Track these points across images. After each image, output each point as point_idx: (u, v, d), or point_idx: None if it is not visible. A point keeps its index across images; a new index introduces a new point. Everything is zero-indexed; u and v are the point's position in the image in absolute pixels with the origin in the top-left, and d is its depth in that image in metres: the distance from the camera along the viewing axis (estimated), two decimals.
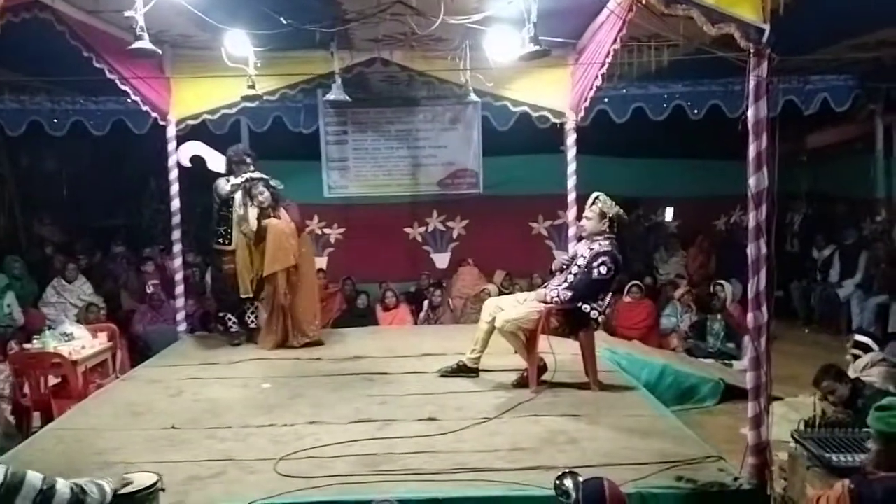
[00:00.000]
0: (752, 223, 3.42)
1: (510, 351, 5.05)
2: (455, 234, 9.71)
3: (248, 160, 6.43)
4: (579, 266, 4.86)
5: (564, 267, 5.06)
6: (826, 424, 4.00)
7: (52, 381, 5.56)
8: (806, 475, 3.67)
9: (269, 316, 6.29)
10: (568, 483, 2.50)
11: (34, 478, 2.30)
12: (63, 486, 2.34)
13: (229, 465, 3.66)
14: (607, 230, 4.88)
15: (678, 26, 4.18)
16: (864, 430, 3.79)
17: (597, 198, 4.93)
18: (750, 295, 3.48)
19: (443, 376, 5.27)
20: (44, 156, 10.98)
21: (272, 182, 6.35)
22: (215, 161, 6.62)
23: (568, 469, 2.66)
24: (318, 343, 6.38)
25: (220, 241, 6.39)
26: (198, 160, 6.72)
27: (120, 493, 2.60)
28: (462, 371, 5.25)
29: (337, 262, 9.38)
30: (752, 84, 3.37)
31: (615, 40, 5.12)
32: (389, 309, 8.14)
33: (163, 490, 2.85)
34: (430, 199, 9.57)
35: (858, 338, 6.02)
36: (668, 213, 10.39)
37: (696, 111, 8.78)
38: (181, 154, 6.79)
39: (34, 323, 7.47)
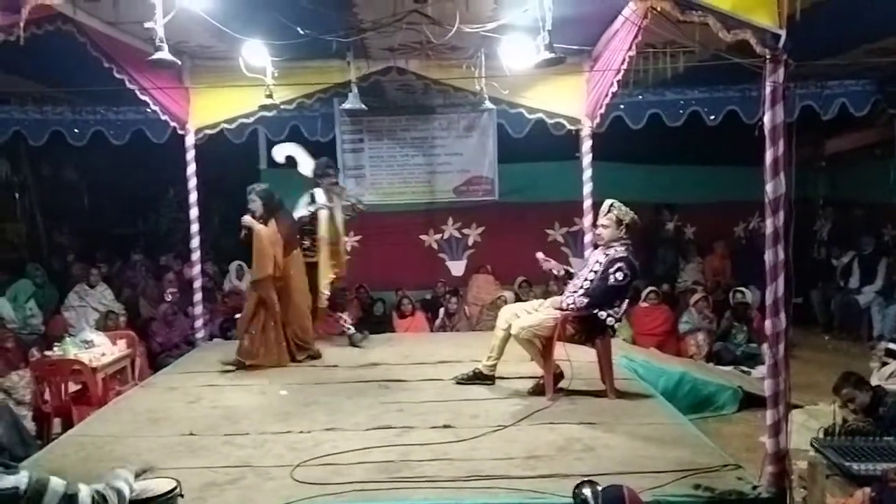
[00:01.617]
0: (769, 229, 3.40)
1: (526, 358, 5.04)
2: (471, 242, 9.72)
3: (331, 172, 6.65)
4: (595, 272, 4.84)
5: (562, 273, 5.12)
6: (846, 433, 3.96)
7: (73, 387, 5.62)
8: (826, 484, 3.62)
9: (261, 332, 5.98)
10: (587, 491, 2.49)
11: (57, 484, 2.33)
12: (85, 495, 2.38)
13: (247, 471, 3.68)
14: (624, 237, 4.87)
15: (694, 32, 4.18)
16: (886, 438, 3.76)
17: (612, 205, 4.92)
18: (768, 301, 3.45)
19: (459, 383, 5.27)
20: (64, 165, 11.15)
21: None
22: (305, 165, 6.77)
23: (586, 478, 2.65)
24: (317, 356, 6.27)
25: (307, 252, 6.48)
26: (290, 160, 6.90)
27: (140, 498, 2.63)
28: (478, 378, 5.24)
29: (353, 269, 9.38)
30: (768, 90, 3.35)
31: (630, 47, 5.11)
32: (406, 316, 8.16)
33: (181, 496, 2.88)
34: (445, 206, 9.58)
35: (890, 345, 5.96)
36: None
37: (712, 117, 8.75)
38: (276, 152, 7.01)
39: (55, 330, 7.57)
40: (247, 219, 6.03)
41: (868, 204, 9.95)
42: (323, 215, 6.46)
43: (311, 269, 6.44)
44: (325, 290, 6.47)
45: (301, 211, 6.46)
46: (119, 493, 2.50)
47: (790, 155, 3.37)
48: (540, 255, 5.30)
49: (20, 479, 2.30)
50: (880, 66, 7.80)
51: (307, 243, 6.48)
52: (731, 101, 8.62)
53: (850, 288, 9.04)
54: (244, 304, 6.35)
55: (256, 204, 6.06)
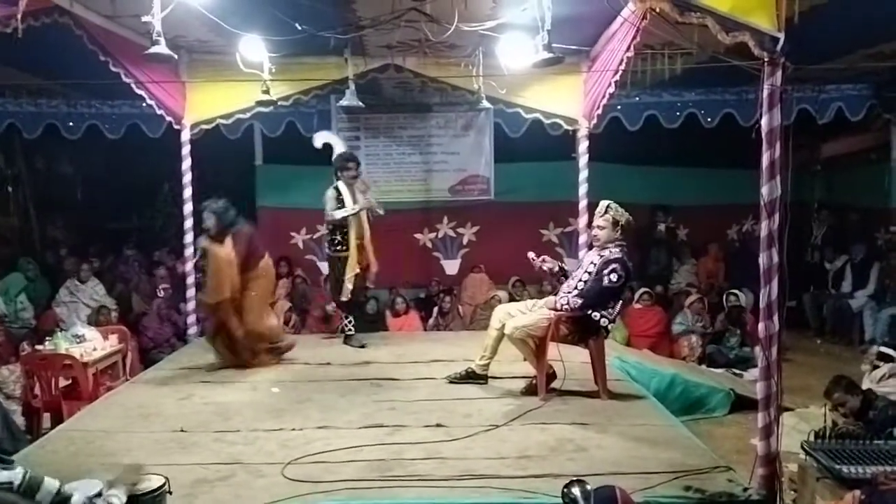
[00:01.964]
0: (764, 232, 3.41)
1: (519, 358, 5.04)
2: (465, 241, 9.71)
3: (351, 165, 6.53)
4: (590, 273, 4.84)
5: (557, 270, 5.13)
6: (837, 436, 3.97)
7: (63, 382, 5.58)
8: (816, 486, 3.63)
9: (231, 344, 5.85)
10: (576, 491, 2.48)
11: (51, 484, 2.34)
12: (76, 500, 2.36)
13: (238, 468, 3.66)
14: (619, 238, 4.87)
15: (692, 34, 4.19)
16: (876, 441, 3.77)
17: (609, 207, 4.92)
18: (761, 304, 3.46)
19: (452, 382, 5.26)
20: (59, 158, 11.09)
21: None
22: (341, 150, 6.87)
23: (576, 477, 2.64)
24: (288, 349, 6.15)
25: (339, 248, 6.47)
26: (328, 147, 6.95)
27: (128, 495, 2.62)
28: (471, 378, 5.24)
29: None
30: (765, 93, 3.36)
31: (629, 48, 5.12)
32: (399, 315, 8.15)
33: (170, 493, 2.87)
34: (440, 205, 9.57)
35: (884, 349, 5.99)
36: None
37: (709, 119, 8.77)
38: (316, 138, 7.10)
39: (46, 324, 7.53)
40: (203, 241, 5.86)
41: (863, 208, 9.99)
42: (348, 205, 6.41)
43: (343, 264, 6.44)
44: (348, 284, 6.44)
45: (336, 213, 6.39)
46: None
47: (786, 158, 3.38)
48: (531, 254, 5.29)
49: (15, 474, 2.31)
50: (876, 70, 7.84)
51: (337, 238, 6.47)
52: (727, 103, 8.64)
53: (843, 292, 9.07)
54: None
55: (210, 221, 5.77)
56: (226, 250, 5.64)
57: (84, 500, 2.42)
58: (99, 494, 2.52)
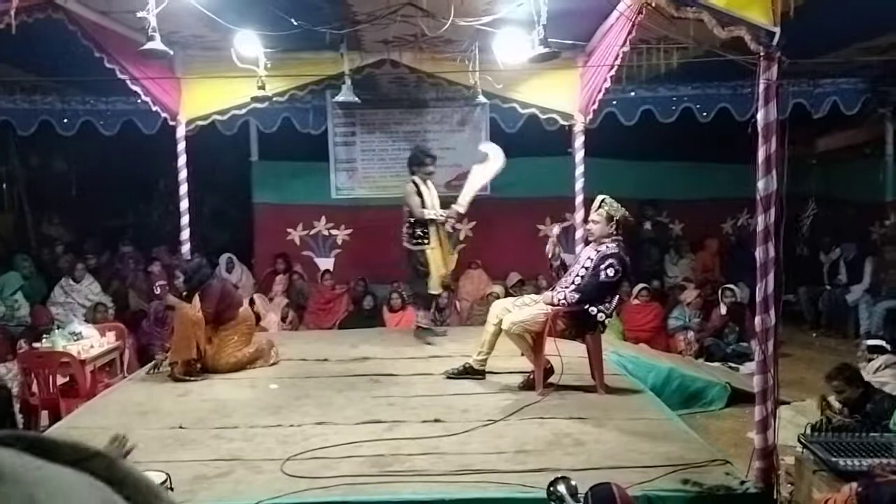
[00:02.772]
0: (760, 226, 3.42)
1: (517, 353, 5.05)
2: (462, 237, 9.70)
3: (428, 161, 6.58)
4: (587, 268, 4.85)
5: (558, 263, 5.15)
6: (833, 429, 3.99)
7: (61, 380, 5.58)
8: (813, 479, 3.66)
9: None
10: (561, 488, 2.42)
11: None
12: None
13: (236, 464, 3.67)
14: (614, 233, 4.88)
15: (688, 29, 4.18)
16: (872, 434, 3.79)
17: (603, 201, 4.93)
18: (758, 298, 3.47)
19: (449, 378, 5.27)
20: (54, 155, 11.05)
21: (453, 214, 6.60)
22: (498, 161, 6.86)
23: (560, 474, 2.60)
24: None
25: (420, 241, 6.46)
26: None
27: None
28: (468, 373, 5.25)
29: (343, 263, 9.40)
30: (761, 87, 3.37)
31: (624, 43, 5.12)
32: (395, 311, 8.15)
33: (171, 489, 2.87)
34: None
35: (871, 342, 6.01)
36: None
37: (704, 114, 8.77)
38: (483, 147, 7.14)
39: (41, 321, 7.50)
40: (171, 299, 5.80)
41: (857, 202, 10.03)
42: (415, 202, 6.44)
43: (424, 257, 6.46)
44: (435, 277, 6.45)
45: (426, 212, 6.39)
46: None
47: (782, 152, 3.39)
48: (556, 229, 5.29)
49: None
50: (871, 64, 7.85)
51: (418, 232, 6.45)
52: (723, 98, 8.65)
53: (838, 285, 9.10)
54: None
55: (179, 280, 5.77)
56: (193, 310, 5.52)
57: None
58: None
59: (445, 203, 6.67)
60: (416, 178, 6.52)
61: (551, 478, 3.15)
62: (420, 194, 6.44)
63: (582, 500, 2.28)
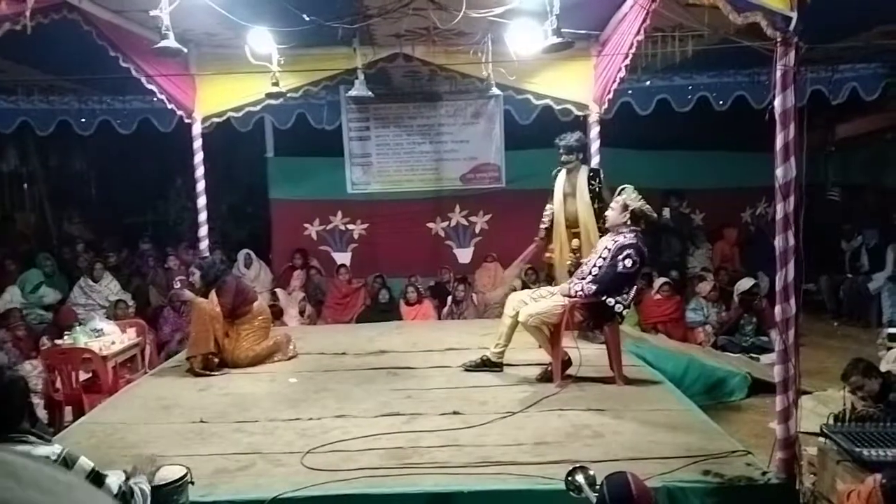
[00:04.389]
0: (779, 215, 3.38)
1: (534, 345, 5.04)
2: (478, 229, 9.70)
3: (564, 154, 6.14)
4: (604, 259, 4.83)
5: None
6: (856, 418, 3.94)
7: (83, 376, 5.66)
8: (836, 470, 3.62)
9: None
10: (580, 478, 2.41)
11: (86, 463, 2.44)
12: (112, 483, 2.45)
13: (257, 458, 3.70)
14: (629, 222, 4.85)
15: (703, 16, 4.14)
16: None
17: (623, 189, 4.90)
18: (777, 287, 3.43)
19: (467, 370, 5.28)
20: (72, 155, 11.18)
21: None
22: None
23: (578, 464, 2.59)
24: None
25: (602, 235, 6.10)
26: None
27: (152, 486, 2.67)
28: (486, 365, 5.25)
29: (360, 257, 9.43)
30: (778, 74, 3.32)
31: (639, 31, 5.07)
32: (412, 304, 8.16)
33: (192, 483, 2.90)
34: (452, 193, 9.55)
35: (891, 330, 5.94)
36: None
37: (721, 102, 8.68)
38: None
39: (66, 319, 7.61)
40: (188, 294, 5.84)
41: (879, 189, 9.88)
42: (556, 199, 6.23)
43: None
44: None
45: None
46: (144, 495, 2.56)
47: (801, 140, 3.35)
48: None
49: (53, 449, 2.40)
50: (892, 48, 7.71)
51: (601, 226, 6.01)
52: (739, 86, 8.55)
53: (860, 273, 8.99)
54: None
55: (196, 276, 5.85)
56: (210, 305, 5.63)
57: (120, 482, 2.49)
58: (127, 480, 2.58)
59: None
60: (562, 171, 6.26)
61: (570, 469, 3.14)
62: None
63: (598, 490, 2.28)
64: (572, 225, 6.15)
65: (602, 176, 6.15)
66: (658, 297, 8.12)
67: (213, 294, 5.67)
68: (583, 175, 6.13)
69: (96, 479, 2.41)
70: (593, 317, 4.89)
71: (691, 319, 8.08)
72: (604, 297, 4.78)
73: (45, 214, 10.84)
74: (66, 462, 2.38)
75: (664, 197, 9.70)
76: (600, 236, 5.89)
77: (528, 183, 9.39)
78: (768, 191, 3.55)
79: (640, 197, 4.89)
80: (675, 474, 3.30)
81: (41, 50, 6.20)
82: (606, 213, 4.96)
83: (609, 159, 7.10)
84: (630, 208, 4.84)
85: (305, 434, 4.05)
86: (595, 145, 7.04)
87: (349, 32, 5.89)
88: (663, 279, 8.21)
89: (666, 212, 9.59)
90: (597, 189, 6.06)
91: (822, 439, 3.88)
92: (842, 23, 6.31)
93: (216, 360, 5.62)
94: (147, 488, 2.62)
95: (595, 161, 7.03)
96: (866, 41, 7.36)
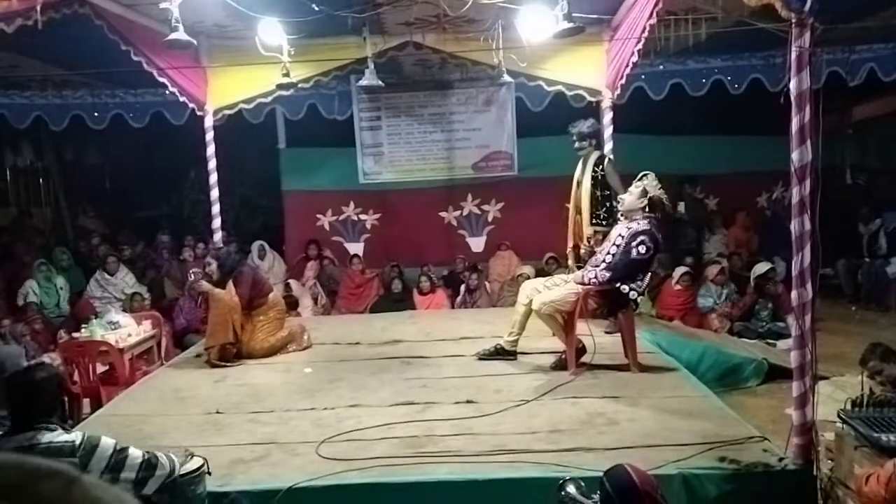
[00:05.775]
0: (795, 198, 3.34)
1: (548, 333, 5.03)
2: (490, 218, 9.67)
3: (577, 141, 6.11)
4: (618, 246, 4.80)
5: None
6: (874, 404, 3.90)
7: (101, 368, 5.71)
8: (854, 455, 3.58)
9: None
10: (571, 489, 2.32)
11: (108, 442, 2.50)
12: (135, 451, 2.54)
13: (272, 448, 3.73)
14: (646, 209, 4.81)
15: None
16: None
17: (645, 174, 4.86)
18: (794, 272, 3.39)
19: (481, 359, 5.28)
20: (86, 149, 11.26)
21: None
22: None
23: (568, 476, 2.50)
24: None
25: (603, 222, 5.99)
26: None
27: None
28: (500, 354, 5.25)
29: (373, 247, 9.44)
30: (794, 55, 3.26)
31: (651, 15, 5.01)
32: (425, 293, 8.16)
33: (209, 473, 2.92)
34: (464, 182, 9.51)
35: None
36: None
37: (736, 86, 8.56)
38: None
39: (83, 312, 7.68)
40: (205, 285, 5.81)
41: None
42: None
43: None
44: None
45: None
46: (171, 460, 2.64)
47: (817, 122, 3.30)
48: None
49: (76, 435, 2.49)
50: None
51: (602, 213, 6.04)
52: (754, 68, 8.43)
53: (878, 257, 8.88)
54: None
55: (212, 266, 5.85)
56: (229, 295, 5.67)
57: (143, 451, 2.58)
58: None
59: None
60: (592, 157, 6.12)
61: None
62: None
63: (598, 492, 2.22)
64: (580, 211, 6.14)
65: (606, 162, 6.10)
66: (678, 287, 8.02)
67: (230, 285, 5.72)
68: (591, 161, 6.09)
69: (120, 452, 2.50)
70: (607, 304, 4.87)
71: (701, 305, 8.01)
72: (618, 284, 4.76)
73: (61, 209, 10.94)
74: (92, 443, 2.47)
75: (679, 184, 9.62)
76: (599, 223, 5.89)
77: (541, 170, 9.37)
78: (784, 175, 3.50)
79: (661, 186, 4.85)
80: (690, 461, 3.29)
81: (53, 45, 6.22)
82: (623, 196, 4.91)
83: (622, 145, 7.05)
84: (649, 195, 4.80)
85: (320, 424, 4.07)
86: (608, 131, 6.98)
87: (359, 21, 5.87)
88: (684, 268, 8.12)
89: (681, 206, 9.50)
90: (598, 176, 6.01)
91: (839, 424, 3.84)
92: (858, 1, 6.19)
93: (234, 350, 5.67)
94: (176, 459, 2.70)
95: (608, 147, 6.98)
96: (884, 20, 7.21)
